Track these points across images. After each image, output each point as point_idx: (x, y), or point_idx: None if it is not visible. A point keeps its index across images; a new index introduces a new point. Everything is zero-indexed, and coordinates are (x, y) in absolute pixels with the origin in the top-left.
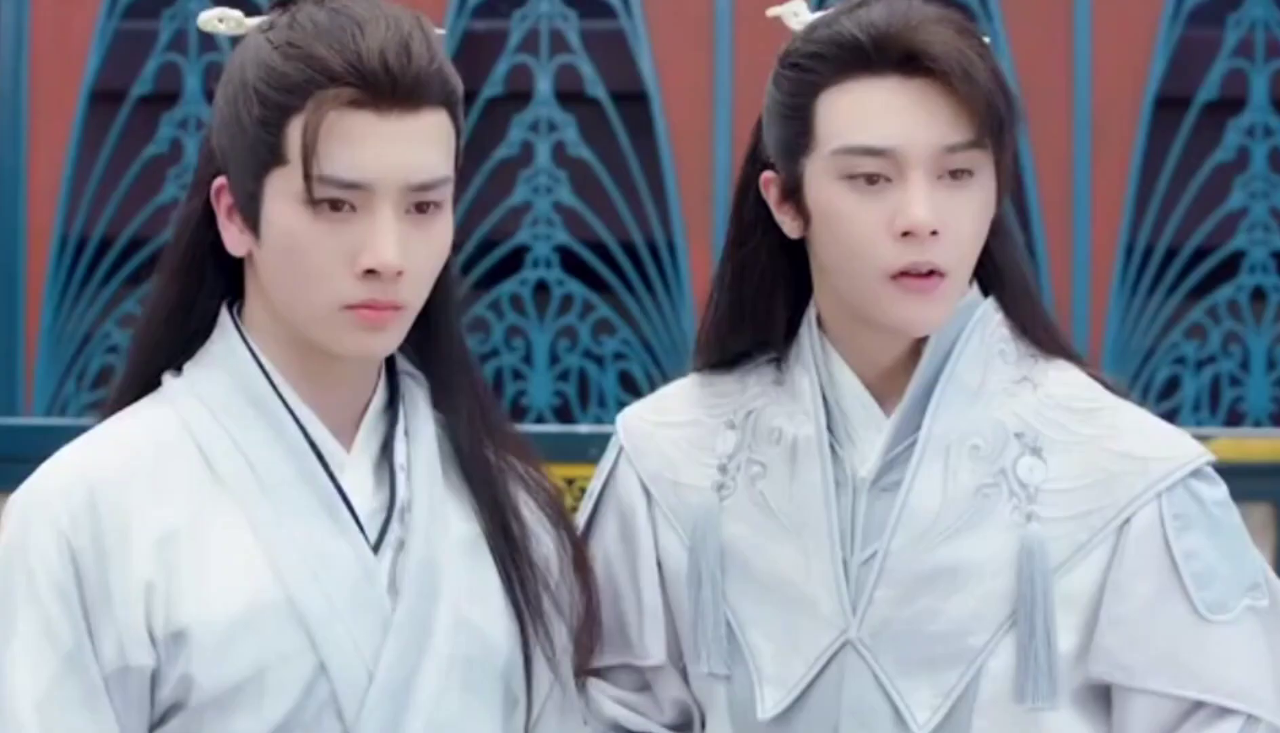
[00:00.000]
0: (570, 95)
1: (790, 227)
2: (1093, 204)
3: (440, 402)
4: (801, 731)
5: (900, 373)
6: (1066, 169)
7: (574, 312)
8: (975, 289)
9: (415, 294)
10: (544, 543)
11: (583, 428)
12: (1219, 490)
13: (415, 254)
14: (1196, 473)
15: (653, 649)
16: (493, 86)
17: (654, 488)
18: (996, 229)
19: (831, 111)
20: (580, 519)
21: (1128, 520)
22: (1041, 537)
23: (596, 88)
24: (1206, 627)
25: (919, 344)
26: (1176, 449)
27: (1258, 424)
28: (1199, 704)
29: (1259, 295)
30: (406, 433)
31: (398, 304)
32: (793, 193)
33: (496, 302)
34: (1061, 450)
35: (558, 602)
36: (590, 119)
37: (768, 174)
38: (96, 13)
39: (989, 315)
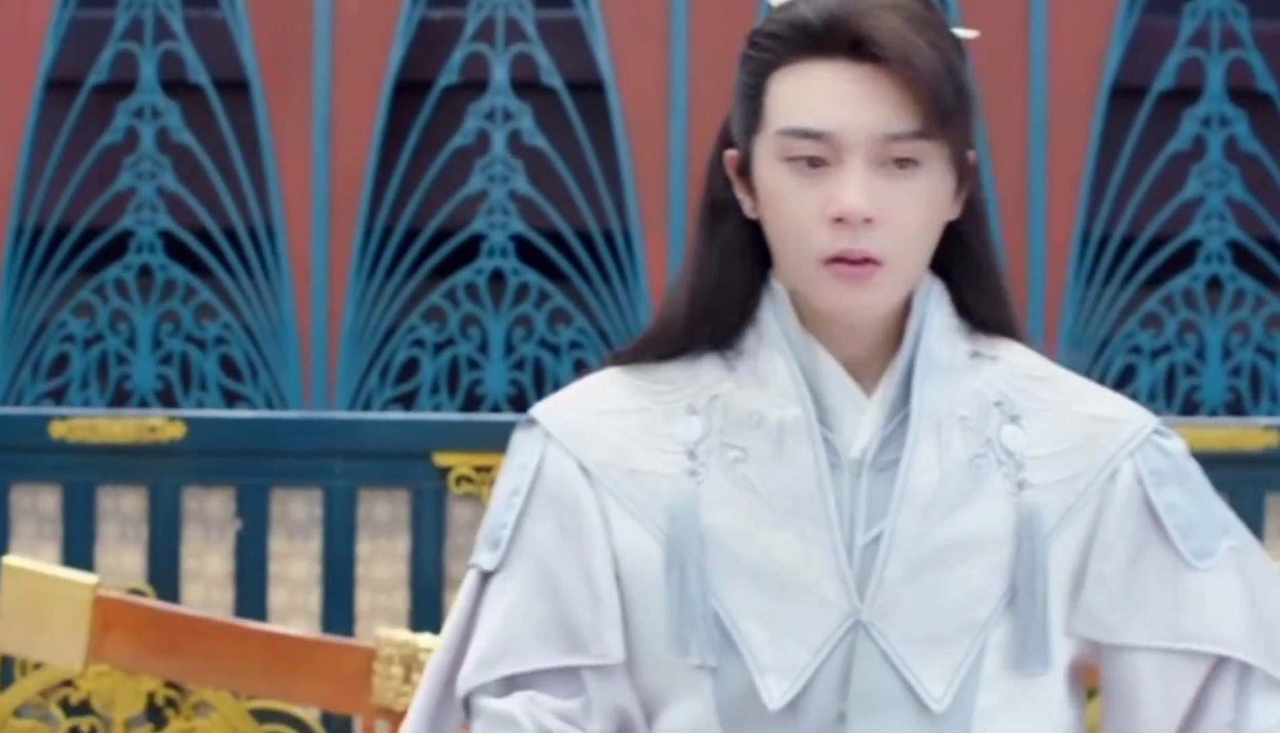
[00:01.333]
0: (526, 84)
1: (747, 204)
2: (1048, 193)
3: None
4: (806, 719)
5: (869, 358)
6: (1022, 158)
7: (530, 301)
8: (928, 273)
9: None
10: None
11: None
12: (1179, 443)
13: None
14: (1157, 430)
15: (612, 647)
16: (448, 75)
17: (605, 477)
18: (974, 223)
19: (779, 92)
20: (502, 517)
21: (1109, 480)
22: (1037, 503)
23: (552, 77)
24: (1193, 575)
25: (885, 328)
26: (1135, 410)
27: (1213, 414)
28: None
29: (1214, 285)
30: None
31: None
32: (745, 171)
33: (452, 290)
34: (1035, 417)
35: None
36: (546, 108)
37: (730, 152)
38: (52, 1)
39: (941, 295)
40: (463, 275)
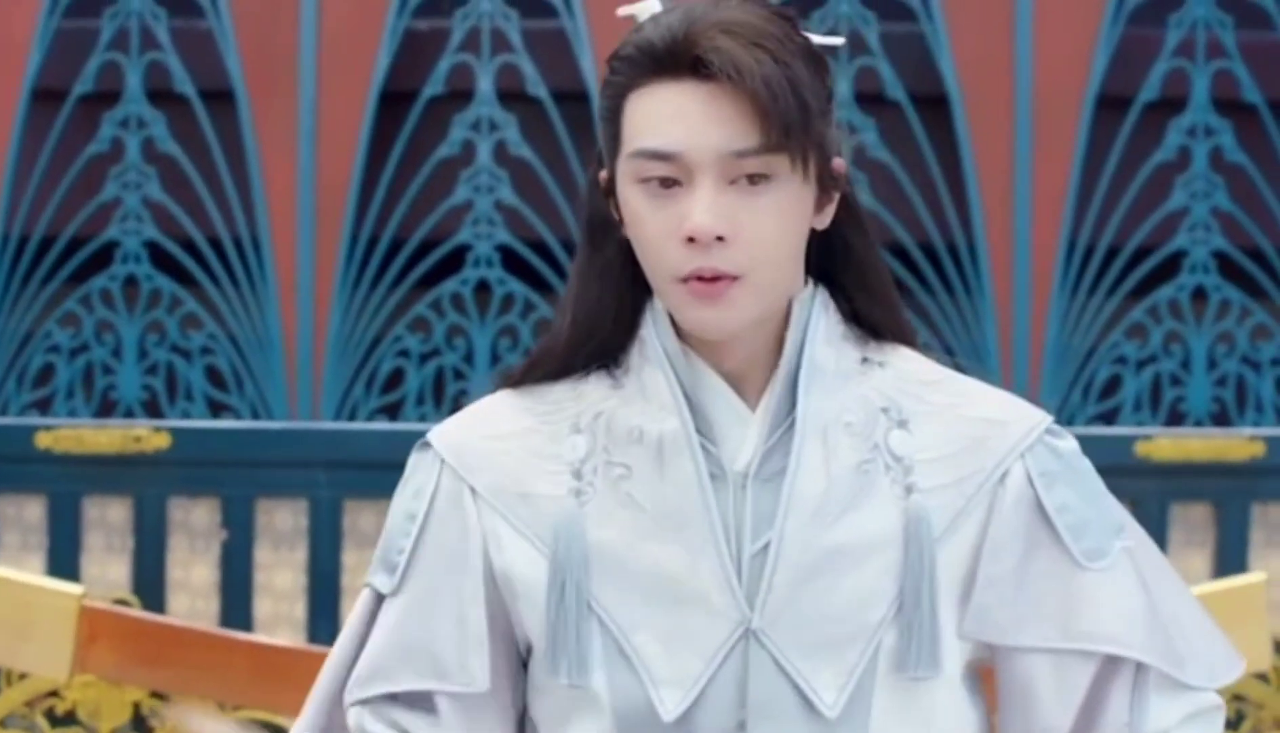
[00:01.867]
0: (512, 94)
1: (619, 223)
2: (1034, 203)
3: None
4: (703, 729)
5: (751, 369)
6: (1008, 168)
7: (515, 311)
8: (810, 282)
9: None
10: None
11: None
12: (1071, 443)
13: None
14: (1049, 430)
15: (477, 675)
16: (434, 85)
17: (497, 502)
18: (859, 225)
19: (632, 114)
20: (399, 542)
21: (999, 482)
22: (925, 507)
23: (538, 87)
24: (1085, 575)
25: (765, 339)
26: (1026, 411)
27: (1198, 424)
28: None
29: (1200, 295)
30: None
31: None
32: (612, 192)
33: (438, 301)
34: (924, 421)
35: None
36: (532, 118)
37: (602, 172)
38: (37, 11)
39: (826, 302)
40: (448, 286)
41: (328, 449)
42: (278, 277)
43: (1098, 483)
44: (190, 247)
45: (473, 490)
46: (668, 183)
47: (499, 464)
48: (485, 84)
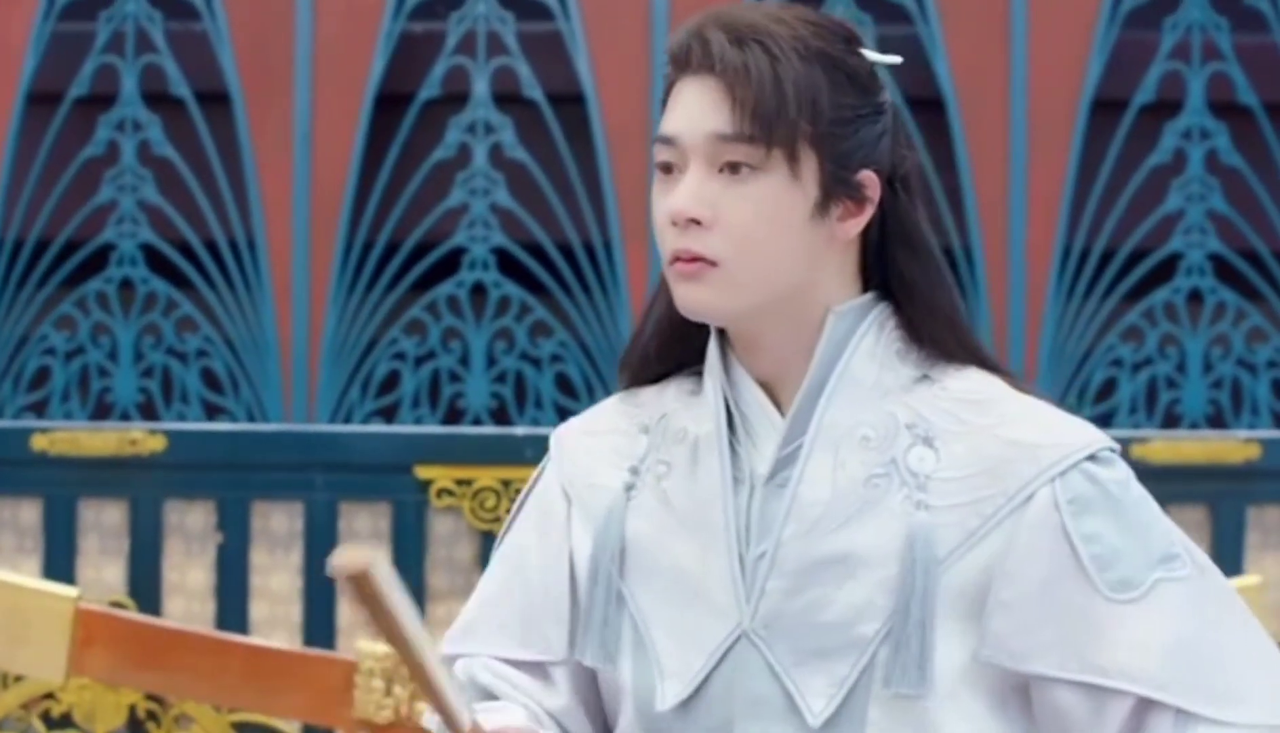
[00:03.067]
0: (507, 97)
1: None
2: (1029, 206)
3: None
4: (699, 723)
5: (795, 375)
6: (1003, 170)
7: (511, 314)
8: (870, 293)
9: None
10: None
11: (519, 430)
12: (1118, 472)
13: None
14: (1093, 458)
15: (556, 645)
16: (429, 88)
17: (572, 491)
18: (909, 244)
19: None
20: (511, 516)
21: (1020, 507)
22: (929, 525)
23: (534, 90)
24: (1107, 607)
25: (809, 347)
26: (1070, 436)
27: (1194, 427)
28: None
29: (1195, 298)
30: None
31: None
32: None
33: (433, 303)
34: (953, 440)
35: None
36: (527, 121)
37: None
38: (33, 14)
39: (885, 319)
40: (444, 288)
41: (323, 452)
42: (273, 280)
43: (1146, 513)
44: (186, 249)
45: (563, 480)
46: (669, 168)
47: (580, 459)
48: (481, 87)
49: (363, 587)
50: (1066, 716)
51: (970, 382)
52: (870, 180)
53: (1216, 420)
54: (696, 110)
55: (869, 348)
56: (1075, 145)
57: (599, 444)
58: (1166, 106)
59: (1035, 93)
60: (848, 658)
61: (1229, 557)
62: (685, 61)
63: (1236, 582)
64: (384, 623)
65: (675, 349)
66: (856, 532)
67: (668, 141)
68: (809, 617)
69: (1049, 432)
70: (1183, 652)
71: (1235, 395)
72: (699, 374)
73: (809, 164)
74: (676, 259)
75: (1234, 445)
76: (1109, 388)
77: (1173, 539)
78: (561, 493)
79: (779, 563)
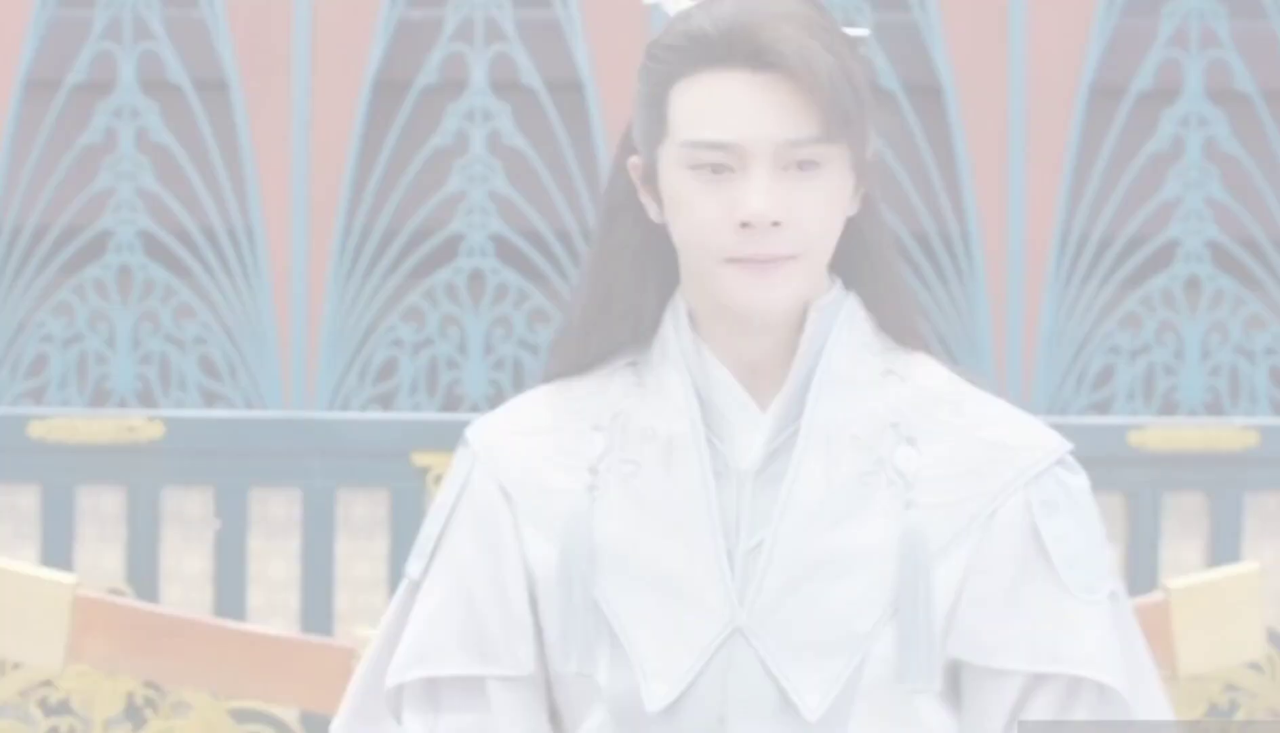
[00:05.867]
0: (505, 84)
1: (652, 210)
2: (1027, 193)
3: None
4: (688, 723)
5: (771, 368)
6: (1001, 157)
7: (509, 300)
8: (838, 284)
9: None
10: None
11: None
12: (1082, 479)
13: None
14: (1061, 462)
15: (523, 660)
16: (427, 75)
17: (518, 494)
18: (872, 222)
19: (682, 103)
20: (430, 529)
21: (999, 508)
22: (921, 523)
23: (532, 77)
24: (1074, 604)
25: (788, 339)
26: (1042, 439)
27: (1191, 414)
28: (1039, 681)
29: (1193, 285)
30: None
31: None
32: (650, 178)
33: (431, 290)
34: (935, 440)
35: None
36: (525, 108)
37: (634, 158)
38: (31, 1)
39: (855, 309)
40: (442, 275)
41: (321, 439)
42: (271, 266)
43: (1098, 526)
44: (184, 236)
45: (501, 483)
46: (718, 168)
47: (524, 460)
48: (479, 74)
49: None
50: (1004, 706)
51: (935, 378)
52: (875, 159)
53: (1214, 407)
54: (760, 113)
55: (845, 342)
56: (1073, 132)
57: (540, 444)
58: (1164, 93)
59: (1033, 79)
60: (842, 654)
61: (1227, 544)
62: (721, 54)
63: (1235, 569)
64: None
65: (601, 339)
66: (850, 529)
67: (721, 147)
68: (805, 612)
69: (1022, 434)
70: (1126, 656)
71: (1233, 382)
72: (631, 365)
73: (855, 150)
74: (746, 260)
75: (1232, 432)
76: (1106, 375)
77: (1111, 558)
78: (501, 497)
79: (776, 558)
